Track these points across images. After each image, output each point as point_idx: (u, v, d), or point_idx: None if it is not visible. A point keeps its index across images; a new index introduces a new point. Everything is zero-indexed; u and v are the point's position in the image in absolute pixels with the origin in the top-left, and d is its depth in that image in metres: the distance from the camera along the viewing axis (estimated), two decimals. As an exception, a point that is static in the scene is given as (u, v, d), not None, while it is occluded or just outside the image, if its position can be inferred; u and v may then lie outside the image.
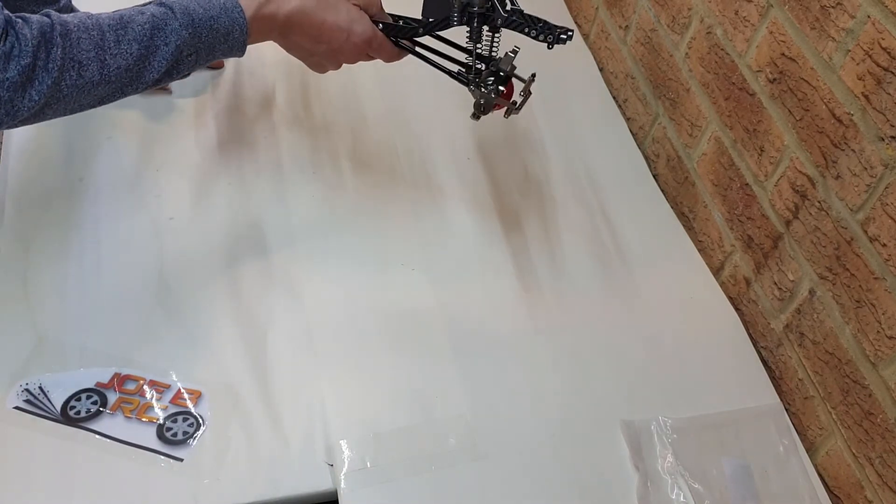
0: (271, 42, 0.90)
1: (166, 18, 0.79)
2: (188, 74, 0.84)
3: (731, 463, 0.88)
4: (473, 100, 0.94)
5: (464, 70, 0.95)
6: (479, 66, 0.93)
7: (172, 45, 0.79)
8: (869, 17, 0.80)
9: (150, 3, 0.82)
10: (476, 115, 0.95)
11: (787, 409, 0.95)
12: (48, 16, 0.74)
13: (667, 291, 1.04)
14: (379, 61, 0.96)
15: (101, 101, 0.78)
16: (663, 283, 1.05)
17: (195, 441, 0.81)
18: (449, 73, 0.96)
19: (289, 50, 0.93)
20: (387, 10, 0.94)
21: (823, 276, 0.90)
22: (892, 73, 0.78)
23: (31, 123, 0.75)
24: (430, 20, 0.93)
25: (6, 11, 0.71)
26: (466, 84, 0.94)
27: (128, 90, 0.79)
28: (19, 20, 0.71)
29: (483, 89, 0.93)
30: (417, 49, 0.95)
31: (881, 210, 0.81)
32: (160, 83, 0.81)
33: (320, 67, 0.95)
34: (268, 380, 0.87)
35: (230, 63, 1.19)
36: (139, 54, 0.77)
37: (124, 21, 0.78)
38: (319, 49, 0.91)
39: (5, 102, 0.70)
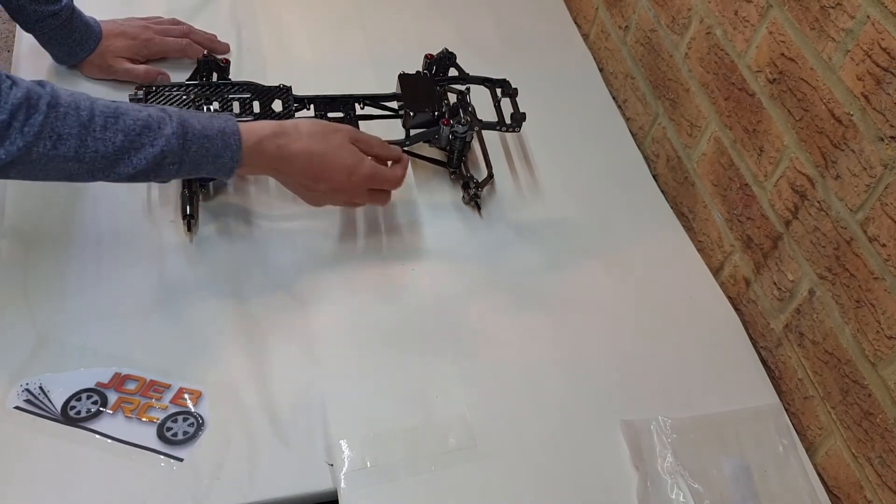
0: None
1: (161, 122, 0.80)
2: (167, 181, 0.85)
3: (730, 463, 0.88)
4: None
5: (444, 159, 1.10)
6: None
7: (158, 147, 0.79)
8: (869, 17, 0.80)
9: (153, 105, 0.83)
10: (466, 199, 1.07)
11: (786, 409, 0.95)
12: (42, 85, 0.75)
13: (666, 291, 1.04)
14: None
15: (69, 178, 0.78)
16: (663, 283, 1.05)
17: (195, 441, 0.81)
18: (433, 161, 1.10)
19: (284, 183, 0.93)
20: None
21: (823, 276, 0.90)
22: (892, 73, 0.78)
23: None
24: (415, 133, 1.05)
25: (2, 72, 0.73)
26: (447, 170, 1.09)
27: (98, 175, 0.79)
28: (9, 80, 0.73)
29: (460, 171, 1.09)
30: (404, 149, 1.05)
31: (881, 210, 0.81)
32: (135, 180, 0.81)
33: (316, 202, 0.95)
34: (268, 380, 0.87)
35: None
36: (121, 145, 0.78)
37: (119, 111, 0.79)
38: (319, 187, 0.92)
39: None
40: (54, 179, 0.78)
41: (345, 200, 0.96)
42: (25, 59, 1.13)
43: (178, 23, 1.18)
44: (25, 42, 1.12)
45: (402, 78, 1.08)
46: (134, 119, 0.79)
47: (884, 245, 0.81)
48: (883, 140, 0.80)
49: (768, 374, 0.98)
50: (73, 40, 1.07)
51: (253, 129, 0.86)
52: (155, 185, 1.02)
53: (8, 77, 0.73)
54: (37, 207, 0.98)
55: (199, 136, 0.82)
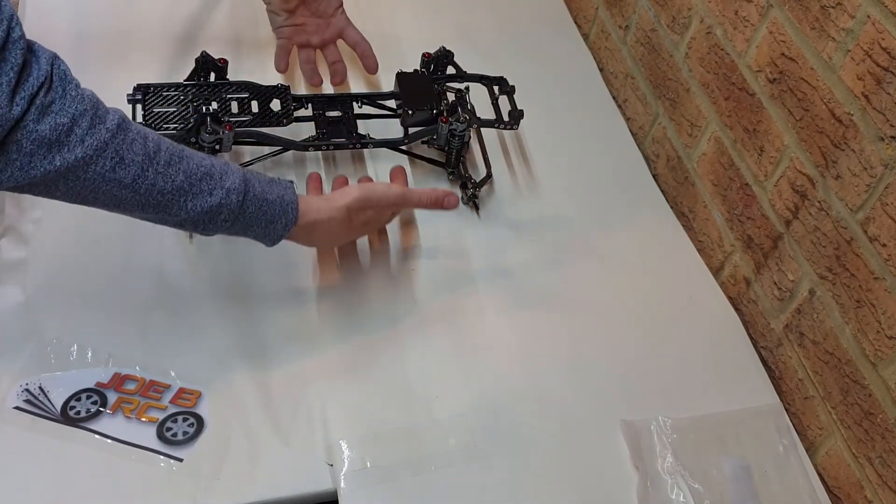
0: None
1: (224, 174, 0.79)
2: (207, 234, 0.82)
3: (731, 463, 0.88)
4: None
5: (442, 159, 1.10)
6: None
7: (216, 197, 0.78)
8: (869, 17, 0.80)
9: (218, 158, 0.81)
10: (465, 199, 1.07)
11: (786, 409, 0.95)
12: (115, 110, 0.73)
13: (667, 291, 1.04)
14: None
15: (117, 206, 0.75)
16: (663, 284, 1.05)
17: (195, 441, 0.81)
18: (431, 161, 1.09)
19: (321, 251, 0.97)
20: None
21: (823, 276, 0.90)
22: (892, 73, 0.78)
23: (31, 193, 0.72)
24: (413, 131, 1.06)
25: (64, 66, 0.70)
26: (445, 170, 1.09)
27: (148, 211, 0.77)
28: (75, 83, 0.70)
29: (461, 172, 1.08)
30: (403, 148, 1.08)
31: (881, 210, 0.81)
32: (182, 226, 0.79)
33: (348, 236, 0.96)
34: (268, 380, 0.87)
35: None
36: (180, 186, 0.76)
37: (186, 153, 0.77)
38: (347, 237, 0.94)
39: (24, 155, 0.67)
40: (100, 206, 0.75)
41: (374, 228, 0.99)
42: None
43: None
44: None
45: (401, 76, 1.08)
46: (198, 164, 0.77)
47: (884, 245, 0.81)
48: (883, 140, 0.80)
49: (768, 374, 0.98)
50: None
51: (310, 209, 0.86)
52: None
53: (76, 83, 0.71)
54: (36, 207, 0.98)
55: (259, 198, 0.81)
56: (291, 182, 0.86)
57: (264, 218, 0.82)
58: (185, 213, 0.77)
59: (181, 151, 0.77)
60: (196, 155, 0.79)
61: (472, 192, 1.06)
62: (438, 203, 0.95)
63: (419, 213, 1.06)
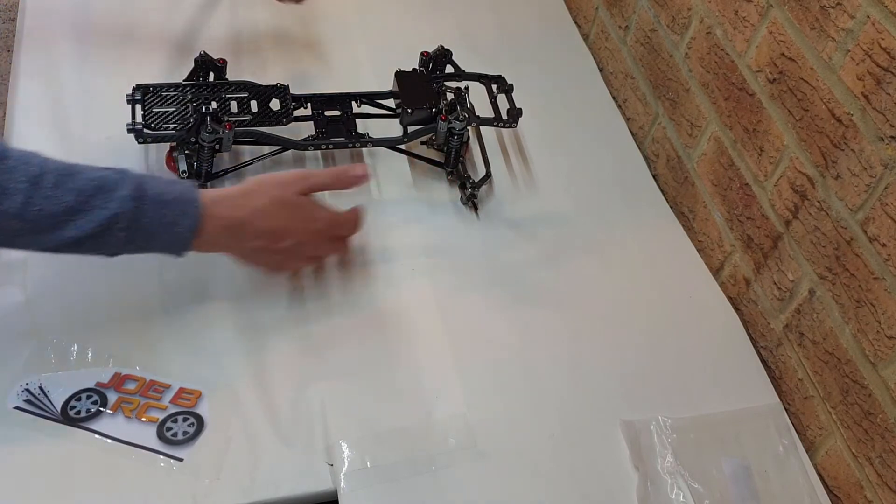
0: None
1: (117, 184, 0.75)
2: (110, 254, 0.78)
3: (730, 463, 0.88)
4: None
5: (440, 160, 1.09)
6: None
7: (111, 210, 0.74)
8: (869, 17, 0.80)
9: (113, 168, 0.77)
10: (464, 199, 1.07)
11: (786, 409, 0.95)
12: None
13: (666, 291, 1.04)
14: None
15: (7, 240, 0.73)
16: (663, 283, 1.05)
17: (195, 441, 0.81)
18: (430, 161, 1.09)
19: (244, 256, 0.88)
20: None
21: (823, 276, 0.90)
22: (892, 73, 0.78)
23: None
24: (413, 130, 1.05)
25: None
26: (444, 170, 1.09)
27: (40, 239, 0.73)
28: None
29: (458, 170, 1.08)
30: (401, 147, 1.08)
31: (881, 210, 0.81)
32: (77, 247, 0.75)
33: (279, 266, 0.92)
34: (268, 380, 0.87)
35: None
36: (69, 206, 0.72)
37: (76, 170, 0.74)
38: (281, 245, 0.87)
39: None
40: None
41: (308, 255, 0.92)
42: (26, 55, 1.13)
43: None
44: (26, 40, 1.12)
45: (399, 75, 1.08)
46: (89, 179, 0.74)
47: (884, 245, 0.81)
48: (883, 140, 0.80)
49: (768, 374, 0.98)
50: None
51: (216, 205, 0.81)
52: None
53: None
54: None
55: (156, 200, 0.76)
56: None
57: (164, 220, 0.77)
58: (78, 231, 0.73)
59: (70, 169, 0.74)
60: (88, 170, 0.75)
61: (472, 192, 1.06)
62: (342, 180, 0.92)
63: (419, 213, 1.06)
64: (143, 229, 0.77)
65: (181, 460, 0.80)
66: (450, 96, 1.08)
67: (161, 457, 0.80)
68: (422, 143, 1.09)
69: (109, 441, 0.80)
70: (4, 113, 1.12)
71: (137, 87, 0.99)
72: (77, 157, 1.03)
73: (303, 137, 1.03)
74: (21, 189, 0.70)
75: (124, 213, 0.75)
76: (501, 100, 1.11)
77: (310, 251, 0.91)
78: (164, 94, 0.99)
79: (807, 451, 0.92)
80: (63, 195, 0.72)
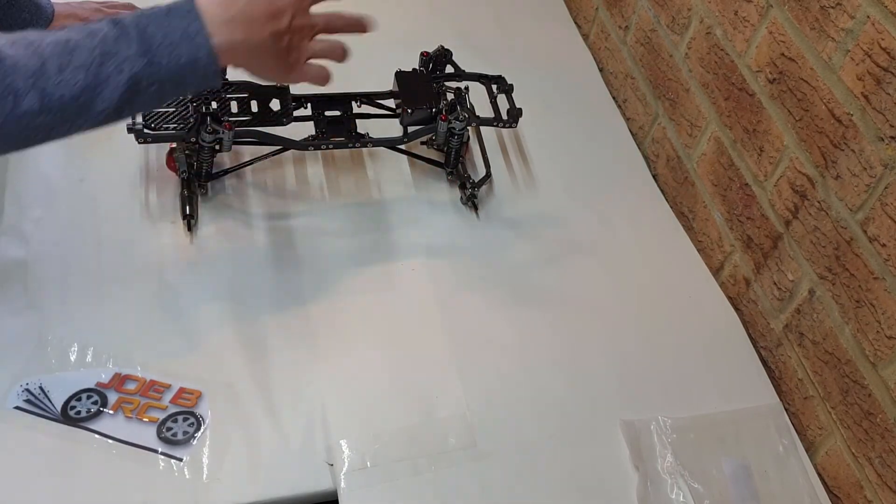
0: None
1: (119, 44, 0.71)
2: (158, 105, 0.76)
3: (730, 463, 0.88)
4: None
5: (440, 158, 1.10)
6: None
7: (126, 73, 0.70)
8: (868, 17, 0.80)
9: (104, 21, 0.72)
10: (464, 199, 1.08)
11: (786, 409, 0.95)
12: None
13: (666, 291, 1.04)
14: None
15: (50, 135, 0.71)
16: (663, 283, 1.05)
17: (195, 441, 0.81)
18: (430, 161, 1.09)
19: (262, 50, 0.80)
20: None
21: (823, 276, 0.90)
22: (892, 73, 0.78)
23: None
24: (413, 130, 1.05)
25: None
26: (444, 170, 1.10)
27: (79, 122, 0.71)
28: None
29: (458, 170, 1.09)
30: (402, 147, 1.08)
31: (881, 210, 0.81)
32: (121, 116, 0.73)
33: (289, 55, 0.84)
34: (268, 380, 0.87)
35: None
36: (85, 84, 0.69)
37: (70, 46, 0.70)
38: (284, 24, 0.81)
39: None
40: (38, 142, 0.70)
41: (305, 26, 0.85)
42: None
43: (131, 7, 1.11)
44: None
45: (399, 75, 1.08)
46: (89, 50, 0.70)
47: (884, 245, 0.81)
48: (883, 140, 0.80)
49: (768, 374, 0.98)
50: (21, 19, 0.98)
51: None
52: (154, 186, 1.02)
53: None
54: (36, 207, 0.98)
55: (164, 46, 0.72)
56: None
57: (180, 62, 0.72)
58: (108, 104, 0.71)
59: (65, 45, 0.70)
60: (80, 38, 0.70)
61: (472, 192, 1.06)
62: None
63: (419, 213, 1.06)
64: (169, 79, 0.73)
65: (181, 460, 0.80)
66: (450, 96, 1.08)
67: (161, 457, 0.80)
68: (422, 143, 1.09)
69: (110, 441, 0.80)
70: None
71: None
72: (77, 157, 1.04)
73: (303, 137, 1.03)
74: (31, 85, 0.67)
75: (140, 71, 0.71)
76: (501, 100, 1.11)
77: (304, 20, 0.85)
78: None
79: (807, 451, 0.92)
80: (73, 77, 0.69)
